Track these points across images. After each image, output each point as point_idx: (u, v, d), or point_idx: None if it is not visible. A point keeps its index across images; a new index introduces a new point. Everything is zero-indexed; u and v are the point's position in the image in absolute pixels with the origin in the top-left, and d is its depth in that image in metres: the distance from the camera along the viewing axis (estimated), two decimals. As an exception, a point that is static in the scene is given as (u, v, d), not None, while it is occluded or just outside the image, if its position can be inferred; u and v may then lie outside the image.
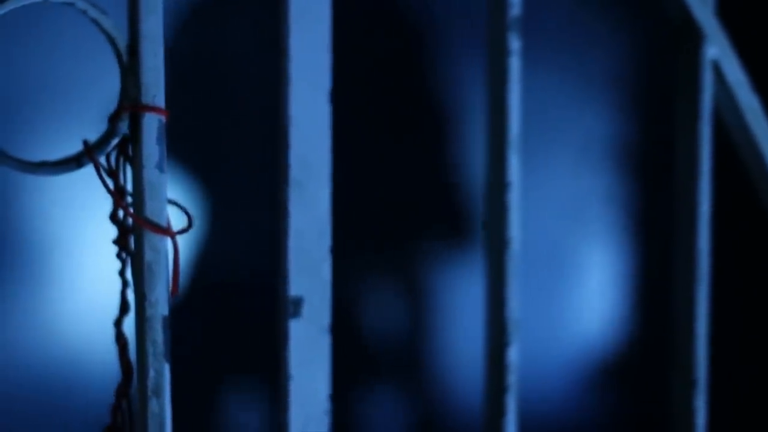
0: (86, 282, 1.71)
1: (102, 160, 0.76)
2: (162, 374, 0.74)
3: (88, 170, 0.76)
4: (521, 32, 0.91)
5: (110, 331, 0.80)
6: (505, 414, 0.94)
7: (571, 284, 2.22)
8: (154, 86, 0.72)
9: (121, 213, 0.76)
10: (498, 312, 0.93)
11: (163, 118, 0.73)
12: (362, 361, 2.04)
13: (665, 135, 1.20)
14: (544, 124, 2.16)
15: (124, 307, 0.79)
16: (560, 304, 2.21)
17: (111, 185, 0.76)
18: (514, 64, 0.91)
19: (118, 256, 0.78)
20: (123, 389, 0.80)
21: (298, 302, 0.81)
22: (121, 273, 0.79)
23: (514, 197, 0.92)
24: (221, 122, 1.88)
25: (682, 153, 1.02)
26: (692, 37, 0.99)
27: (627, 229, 2.25)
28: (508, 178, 0.92)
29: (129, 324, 0.79)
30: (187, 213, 0.79)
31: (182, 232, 0.77)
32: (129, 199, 0.77)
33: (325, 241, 0.82)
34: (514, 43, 0.91)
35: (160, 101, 0.73)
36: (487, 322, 0.96)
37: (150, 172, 0.73)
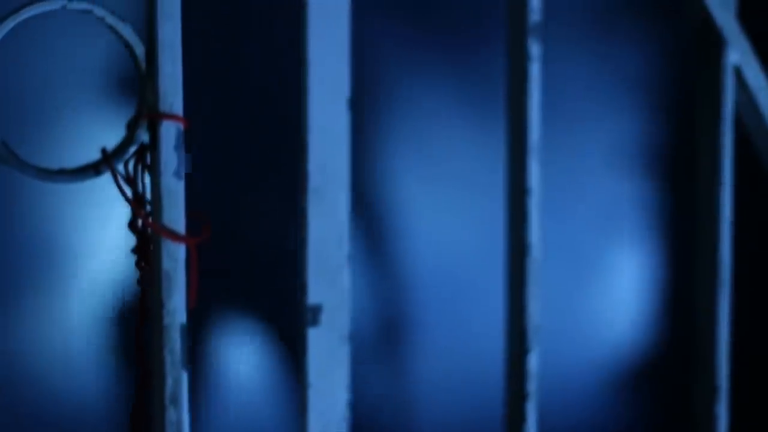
0: (103, 288, 1.71)
1: (120, 167, 0.76)
2: (180, 382, 0.74)
3: (109, 177, 0.76)
4: (541, 38, 0.90)
5: (124, 338, 0.80)
6: (526, 420, 0.93)
7: (600, 287, 2.22)
8: (172, 93, 0.72)
9: (139, 221, 0.75)
10: (518, 319, 0.93)
11: (181, 126, 0.73)
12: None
13: (693, 139, 1.19)
14: (574, 129, 2.16)
15: (143, 315, 0.79)
16: (590, 307, 2.20)
17: (130, 193, 0.76)
18: (534, 70, 0.91)
19: (137, 264, 0.78)
20: (140, 396, 0.80)
21: (316, 310, 0.81)
22: (140, 281, 0.78)
23: (535, 203, 0.91)
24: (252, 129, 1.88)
25: (703, 158, 1.01)
26: (714, 42, 0.98)
27: (656, 232, 2.24)
28: (528, 185, 0.91)
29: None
30: (204, 221, 0.78)
31: (200, 239, 0.76)
32: (148, 208, 0.77)
33: (344, 248, 0.82)
34: (534, 49, 0.91)
35: (178, 108, 0.73)
36: (507, 329, 0.95)
37: (168, 180, 0.73)
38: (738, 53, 0.98)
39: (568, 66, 2.12)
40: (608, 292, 2.22)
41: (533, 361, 0.93)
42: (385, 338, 2.03)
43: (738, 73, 0.99)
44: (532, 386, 0.93)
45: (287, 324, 1.90)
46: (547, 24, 2.10)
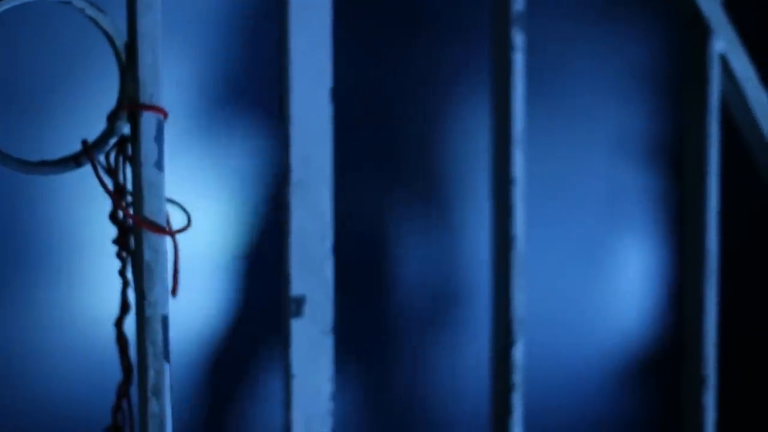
0: (90, 281, 1.71)
1: (103, 159, 0.76)
2: (162, 374, 0.74)
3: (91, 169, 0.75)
4: (525, 28, 0.90)
5: (112, 331, 0.80)
6: (512, 412, 0.93)
7: (607, 279, 2.22)
8: (152, 84, 0.72)
9: (120, 212, 0.75)
10: (503, 310, 0.93)
11: (162, 117, 0.73)
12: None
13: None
14: (581, 120, 2.16)
15: (124, 307, 0.79)
16: (597, 298, 2.21)
17: (111, 184, 0.75)
18: (518, 60, 0.90)
19: (118, 255, 0.77)
20: (123, 389, 0.80)
21: (299, 301, 0.81)
22: (122, 272, 0.78)
23: (519, 194, 0.91)
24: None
25: (689, 148, 1.01)
26: (700, 31, 0.98)
27: (663, 223, 2.25)
28: (513, 175, 0.91)
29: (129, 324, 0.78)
30: (186, 212, 0.78)
31: (181, 231, 0.76)
32: (130, 199, 0.76)
33: (327, 240, 0.82)
34: (518, 39, 0.90)
35: (158, 99, 0.72)
36: (493, 321, 0.95)
37: (148, 171, 0.72)
38: (724, 42, 0.98)
39: (575, 57, 2.12)
40: (615, 284, 2.22)
41: (519, 353, 0.92)
42: (438, 311, 2.04)
43: (724, 61, 0.99)
44: (518, 378, 0.92)
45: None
46: (552, 14, 2.10)
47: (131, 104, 0.72)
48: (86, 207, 1.64)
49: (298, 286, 0.80)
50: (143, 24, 0.72)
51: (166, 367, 0.74)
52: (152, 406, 0.74)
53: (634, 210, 2.24)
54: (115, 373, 0.82)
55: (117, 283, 1.49)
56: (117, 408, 0.81)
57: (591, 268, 2.21)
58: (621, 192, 2.23)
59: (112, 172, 0.75)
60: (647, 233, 2.25)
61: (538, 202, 2.15)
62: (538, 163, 2.14)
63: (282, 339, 0.81)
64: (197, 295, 1.87)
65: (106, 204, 1.47)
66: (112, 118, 0.73)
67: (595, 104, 2.19)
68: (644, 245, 2.26)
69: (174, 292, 0.78)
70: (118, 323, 0.79)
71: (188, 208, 1.83)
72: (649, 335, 2.26)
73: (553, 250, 2.20)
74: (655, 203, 2.26)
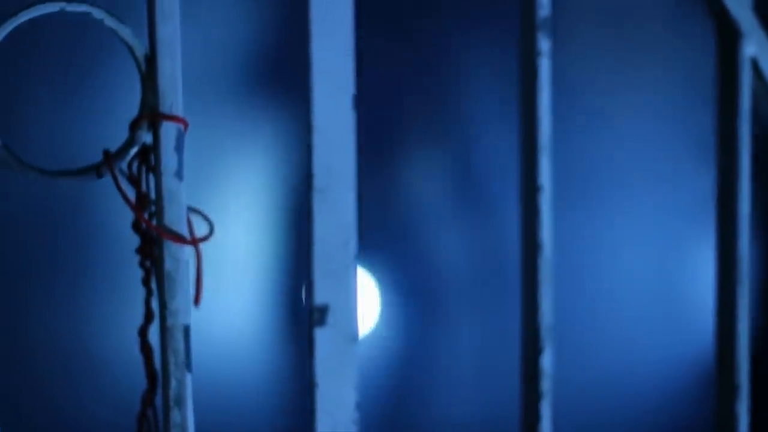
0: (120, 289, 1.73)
1: (126, 168, 0.76)
2: (183, 384, 0.74)
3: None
4: (551, 32, 0.89)
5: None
6: (541, 420, 0.92)
7: (692, 281, 2.20)
8: (172, 94, 0.72)
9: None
10: (531, 318, 0.92)
11: (182, 127, 0.73)
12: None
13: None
14: (664, 122, 2.15)
15: (148, 316, 0.79)
16: (681, 302, 2.19)
17: (134, 194, 0.76)
18: (544, 65, 0.90)
19: (141, 265, 0.78)
20: (148, 398, 0.80)
21: (323, 310, 0.80)
22: (145, 282, 0.78)
23: (546, 201, 0.90)
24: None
25: (721, 152, 1.00)
26: (730, 34, 0.97)
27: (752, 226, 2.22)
28: (540, 182, 0.90)
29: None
30: (209, 221, 0.78)
31: (204, 239, 0.76)
32: (153, 208, 0.77)
33: (351, 248, 0.81)
34: (544, 44, 0.90)
35: (178, 109, 0.72)
36: (522, 328, 0.94)
37: (168, 180, 0.72)
38: (754, 45, 0.97)
39: (657, 60, 2.11)
40: (700, 287, 2.20)
41: (547, 361, 0.92)
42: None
43: (755, 65, 0.97)
44: (546, 385, 0.92)
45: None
46: (641, 21, 2.09)
47: (151, 114, 0.72)
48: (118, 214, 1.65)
49: (321, 294, 0.80)
50: (163, 33, 0.72)
51: (188, 376, 0.74)
52: (174, 415, 0.74)
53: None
54: (142, 382, 0.83)
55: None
56: (142, 416, 0.81)
57: (671, 272, 2.18)
58: (705, 195, 2.21)
59: (135, 181, 0.76)
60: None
61: (623, 202, 2.14)
62: (626, 163, 2.13)
63: (307, 348, 0.81)
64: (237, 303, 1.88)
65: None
66: (133, 127, 0.74)
67: (681, 107, 2.17)
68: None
69: (197, 301, 0.78)
70: (142, 332, 0.79)
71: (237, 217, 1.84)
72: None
73: (638, 252, 2.18)
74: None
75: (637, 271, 2.17)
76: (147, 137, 0.74)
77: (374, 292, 2.05)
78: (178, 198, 0.73)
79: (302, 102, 0.79)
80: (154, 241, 0.76)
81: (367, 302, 2.05)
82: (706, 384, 2.21)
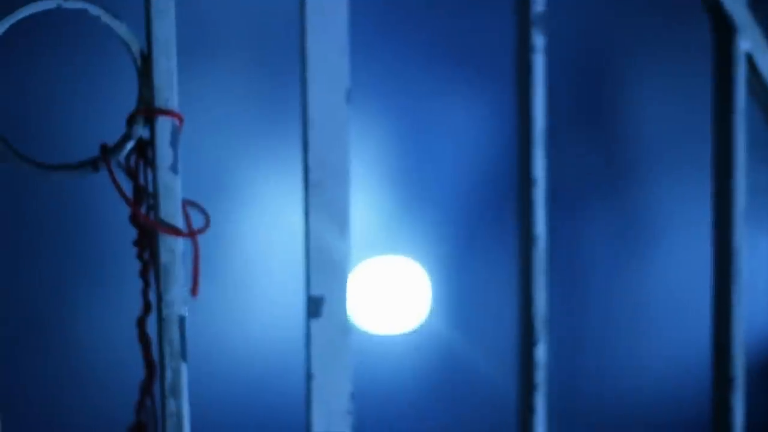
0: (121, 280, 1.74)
1: (124, 161, 0.77)
2: (179, 373, 0.75)
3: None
4: (546, 29, 0.90)
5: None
6: (535, 411, 0.93)
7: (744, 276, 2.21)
8: (167, 89, 0.73)
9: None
10: (526, 311, 0.93)
11: (177, 121, 0.74)
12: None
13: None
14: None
15: (146, 307, 0.81)
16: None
17: (132, 187, 0.77)
18: (538, 61, 0.91)
19: (139, 257, 0.79)
20: (147, 387, 0.81)
21: (318, 302, 0.82)
22: (142, 274, 0.80)
23: (540, 194, 0.91)
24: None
25: (717, 147, 1.01)
26: (725, 30, 0.98)
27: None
28: (534, 175, 0.91)
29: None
30: (205, 213, 0.80)
31: (200, 232, 0.77)
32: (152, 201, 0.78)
33: (346, 241, 0.83)
34: (538, 40, 0.91)
35: (173, 104, 0.74)
36: (518, 321, 0.95)
37: (164, 174, 0.74)
38: (749, 41, 0.97)
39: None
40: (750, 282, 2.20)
41: (541, 353, 0.93)
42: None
43: (750, 60, 0.98)
44: (541, 377, 0.93)
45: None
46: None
47: (147, 109, 0.74)
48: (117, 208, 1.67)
49: (316, 286, 0.81)
50: (158, 30, 0.73)
51: (184, 366, 0.76)
52: (170, 405, 0.75)
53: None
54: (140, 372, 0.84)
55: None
56: (141, 406, 0.83)
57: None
58: (754, 191, 2.20)
59: (132, 174, 0.77)
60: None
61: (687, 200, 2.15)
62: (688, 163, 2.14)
63: (303, 339, 0.82)
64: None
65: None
66: (130, 122, 0.75)
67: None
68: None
69: (194, 292, 0.79)
70: (141, 322, 0.81)
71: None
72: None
73: (690, 246, 2.19)
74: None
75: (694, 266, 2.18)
76: (144, 132, 0.76)
77: (426, 285, 2.06)
78: (174, 191, 0.74)
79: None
80: (151, 233, 0.78)
81: (419, 295, 2.06)
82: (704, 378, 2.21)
